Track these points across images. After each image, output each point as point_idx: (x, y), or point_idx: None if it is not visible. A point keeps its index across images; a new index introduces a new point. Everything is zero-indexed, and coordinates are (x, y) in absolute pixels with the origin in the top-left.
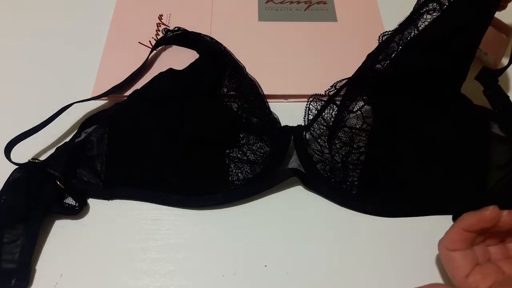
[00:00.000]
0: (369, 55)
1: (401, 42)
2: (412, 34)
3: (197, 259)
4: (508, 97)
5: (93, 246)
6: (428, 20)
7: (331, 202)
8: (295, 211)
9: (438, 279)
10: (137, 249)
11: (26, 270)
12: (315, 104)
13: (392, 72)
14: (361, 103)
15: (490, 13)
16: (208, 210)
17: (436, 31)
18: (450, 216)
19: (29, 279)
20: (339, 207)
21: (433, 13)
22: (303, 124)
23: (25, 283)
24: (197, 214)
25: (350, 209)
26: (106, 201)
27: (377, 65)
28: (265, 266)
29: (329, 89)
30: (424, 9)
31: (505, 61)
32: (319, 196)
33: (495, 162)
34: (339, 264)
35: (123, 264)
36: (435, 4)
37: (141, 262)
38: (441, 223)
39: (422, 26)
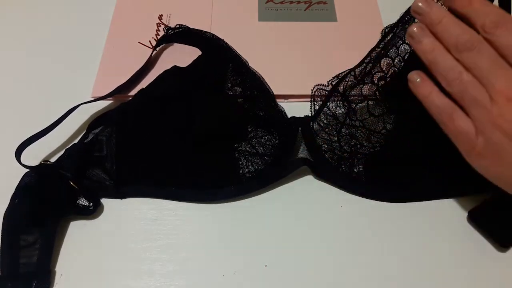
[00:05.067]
0: (376, 55)
1: None
2: None
3: (197, 259)
4: None
5: (93, 246)
6: None
7: (336, 200)
8: (295, 210)
9: (446, 274)
10: (137, 249)
11: (46, 273)
12: (319, 93)
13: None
14: (382, 110)
15: None
16: (208, 210)
17: None
18: (458, 213)
19: (50, 281)
20: (343, 205)
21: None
22: (310, 115)
23: (46, 285)
24: (197, 214)
25: (360, 196)
26: (105, 201)
27: (392, 68)
28: (265, 266)
29: (332, 79)
30: None
31: None
32: (323, 194)
33: None
34: (340, 264)
35: (123, 264)
36: None
37: (141, 262)
38: (454, 218)
39: None
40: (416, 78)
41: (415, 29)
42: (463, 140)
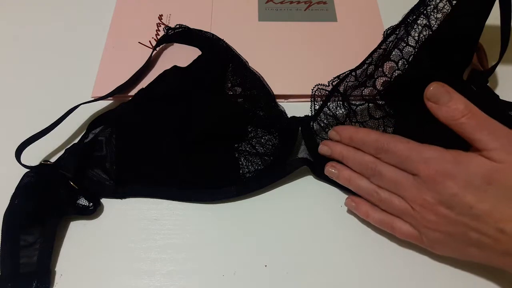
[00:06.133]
0: (378, 57)
1: (417, 45)
2: (427, 34)
3: (197, 259)
4: (498, 96)
5: (93, 246)
6: (439, 19)
7: (336, 200)
8: (295, 210)
9: (447, 274)
10: (137, 249)
11: (46, 273)
12: (319, 93)
13: (412, 77)
14: (383, 113)
15: None
16: (208, 210)
17: (450, 30)
18: None
19: (50, 281)
20: (343, 205)
21: (442, 9)
22: (310, 115)
23: (47, 285)
24: (197, 214)
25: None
26: (105, 201)
27: (396, 71)
28: (265, 266)
29: (332, 79)
30: (432, 5)
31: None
32: (323, 194)
33: None
34: (340, 264)
35: (123, 264)
36: (445, 0)
37: (141, 262)
38: None
39: (435, 26)
40: (352, 204)
41: (330, 169)
42: (412, 240)
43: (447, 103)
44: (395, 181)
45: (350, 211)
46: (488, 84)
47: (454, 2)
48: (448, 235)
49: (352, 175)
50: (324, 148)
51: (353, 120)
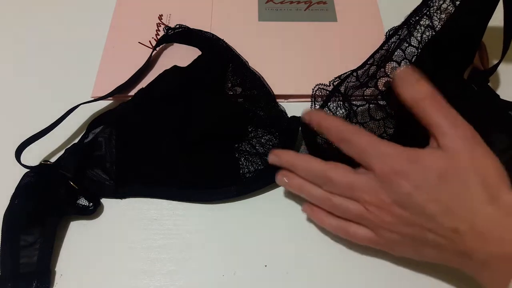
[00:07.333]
0: (380, 57)
1: (420, 45)
2: (430, 35)
3: (197, 259)
4: (499, 96)
5: (93, 246)
6: (443, 20)
7: None
8: (295, 210)
9: (446, 273)
10: (137, 249)
11: (46, 273)
12: (320, 93)
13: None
14: (383, 114)
15: None
16: (208, 210)
17: (454, 30)
18: None
19: (50, 281)
20: None
21: (446, 10)
22: None
23: (47, 285)
24: (197, 214)
25: None
26: (105, 201)
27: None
28: (265, 266)
29: (334, 79)
30: (435, 6)
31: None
32: None
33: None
34: (339, 264)
35: (123, 264)
36: (448, 1)
37: (141, 262)
38: None
39: (438, 26)
40: (308, 210)
41: (280, 177)
42: (370, 243)
43: (414, 84)
44: (346, 185)
45: None
46: (489, 84)
47: (458, 2)
48: (405, 236)
49: (303, 183)
50: (271, 157)
51: (353, 120)
